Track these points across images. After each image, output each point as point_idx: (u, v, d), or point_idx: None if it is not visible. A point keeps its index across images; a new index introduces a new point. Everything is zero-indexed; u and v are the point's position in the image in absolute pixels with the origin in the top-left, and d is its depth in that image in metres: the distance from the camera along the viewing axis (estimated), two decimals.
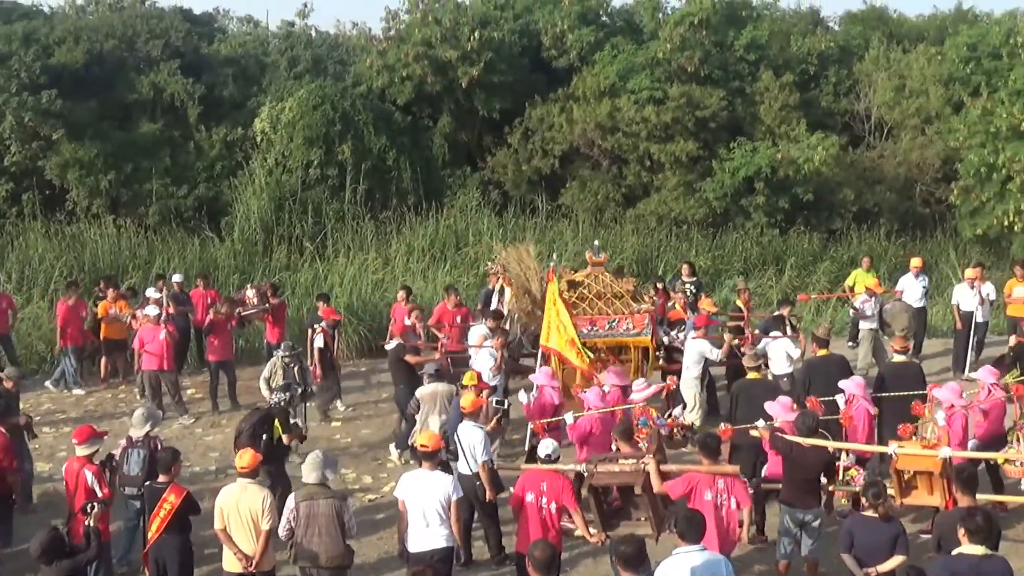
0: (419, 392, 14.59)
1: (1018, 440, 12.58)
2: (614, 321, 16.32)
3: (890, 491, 10.91)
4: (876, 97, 31.87)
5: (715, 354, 16.29)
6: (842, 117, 32.58)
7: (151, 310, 18.13)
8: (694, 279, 21.40)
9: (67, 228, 27.52)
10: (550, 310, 15.21)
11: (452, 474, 11.41)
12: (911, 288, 20.46)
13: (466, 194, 30.03)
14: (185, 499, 10.78)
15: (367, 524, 13.45)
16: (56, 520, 12.07)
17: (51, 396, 19.31)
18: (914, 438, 11.79)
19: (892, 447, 11.37)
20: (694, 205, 29.26)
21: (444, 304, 19.12)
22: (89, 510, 10.45)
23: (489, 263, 20.73)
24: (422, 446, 10.81)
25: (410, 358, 16.53)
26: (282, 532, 10.37)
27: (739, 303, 19.28)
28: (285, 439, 13.10)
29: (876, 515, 9.91)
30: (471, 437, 12.09)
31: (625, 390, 13.93)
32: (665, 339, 17.54)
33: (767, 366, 16.00)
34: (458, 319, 18.65)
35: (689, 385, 16.22)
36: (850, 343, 20.92)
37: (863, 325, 19.33)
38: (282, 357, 15.93)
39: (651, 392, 13.84)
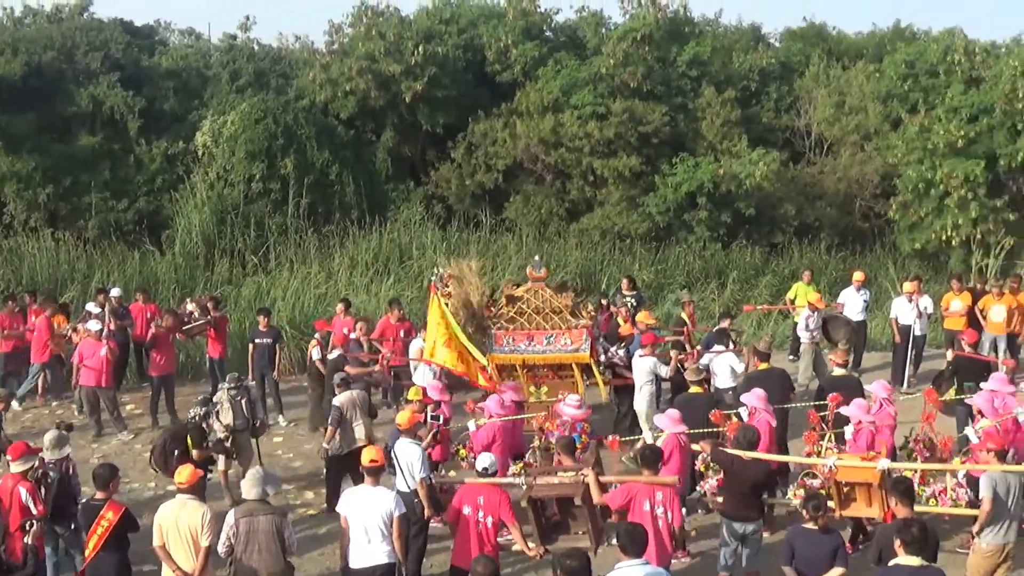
0: (337, 401, 14.62)
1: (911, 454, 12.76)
2: (551, 336, 16.38)
3: (830, 503, 11.01)
4: (816, 113, 32.22)
5: (664, 371, 16.27)
6: (783, 133, 32.91)
7: (93, 325, 17.90)
8: (635, 293, 21.46)
9: (4, 242, 27.12)
10: (436, 326, 15.12)
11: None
12: (852, 302, 20.69)
13: (410, 208, 29.97)
14: (123, 516, 10.64)
15: (308, 540, 13.37)
16: None
17: None
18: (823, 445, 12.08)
19: (831, 459, 11.50)
20: (637, 219, 29.39)
21: (387, 318, 19.10)
22: (28, 528, 10.30)
23: (436, 272, 20.66)
24: (371, 461, 10.72)
25: (351, 369, 16.48)
26: (221, 548, 10.26)
27: (683, 316, 19.38)
28: (196, 455, 12.89)
29: (816, 527, 9.98)
30: (408, 454, 11.97)
31: (520, 405, 14.22)
32: (603, 356, 17.60)
33: (708, 381, 16.08)
34: (401, 333, 18.64)
35: (643, 403, 16.05)
36: (791, 356, 21.11)
37: (804, 339, 19.50)
38: (228, 390, 14.77)
39: (582, 414, 13.86)
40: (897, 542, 8.72)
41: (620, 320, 19.13)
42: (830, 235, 30.46)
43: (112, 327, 18.46)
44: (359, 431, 14.40)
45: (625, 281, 21.87)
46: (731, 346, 17.22)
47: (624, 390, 16.80)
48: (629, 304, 20.37)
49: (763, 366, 15.25)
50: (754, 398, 13.44)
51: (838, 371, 15.09)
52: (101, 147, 29.98)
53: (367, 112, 31.54)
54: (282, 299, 23.95)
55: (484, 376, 15.12)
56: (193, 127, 30.70)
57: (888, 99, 31.37)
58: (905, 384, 19.54)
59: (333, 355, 17.21)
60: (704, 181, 28.54)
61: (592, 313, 17.61)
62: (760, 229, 30.02)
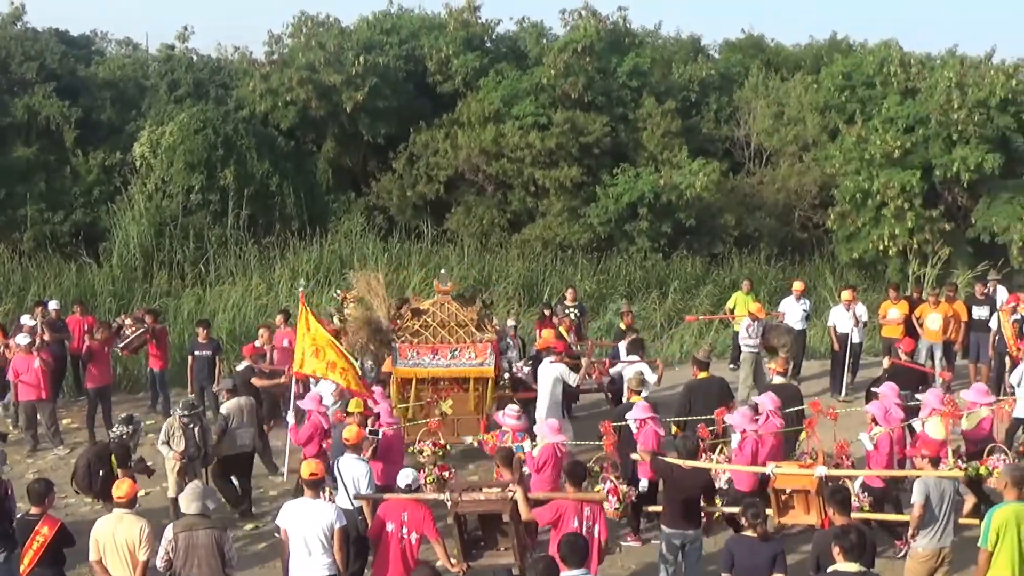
0: (224, 408, 14.74)
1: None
2: (456, 350, 16.40)
3: (768, 511, 11.08)
4: (755, 124, 32.52)
5: (572, 378, 16.25)
6: (723, 144, 33.19)
7: (22, 339, 17.62)
8: (577, 303, 21.52)
9: None
10: (303, 337, 15.22)
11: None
12: (792, 311, 20.87)
13: (351, 219, 29.89)
14: (59, 531, 10.49)
15: (249, 555, 13.24)
16: None
17: None
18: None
19: (770, 467, 11.57)
20: (579, 230, 29.49)
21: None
22: None
23: (337, 292, 20.70)
24: (311, 474, 10.63)
25: (256, 381, 16.45)
26: (160, 563, 10.12)
27: (622, 326, 19.45)
28: (121, 474, 12.51)
29: (755, 535, 10.03)
30: (354, 470, 11.84)
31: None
32: (507, 371, 17.68)
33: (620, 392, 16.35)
34: None
35: (550, 411, 15.83)
36: (731, 365, 21.24)
37: (745, 348, 19.63)
38: (180, 417, 14.09)
39: (522, 424, 13.84)
40: (836, 549, 8.79)
41: (563, 330, 19.16)
42: (769, 245, 30.73)
43: (46, 338, 18.19)
44: (245, 435, 14.68)
45: (569, 292, 21.91)
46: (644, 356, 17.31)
47: (530, 403, 16.80)
48: (572, 315, 20.43)
49: (703, 375, 15.30)
50: (639, 410, 13.36)
51: (778, 379, 15.19)
52: (36, 158, 29.60)
53: (307, 122, 31.42)
54: (222, 311, 23.79)
55: (359, 383, 15.17)
56: (131, 138, 30.42)
57: (826, 110, 31.77)
58: (844, 391, 19.78)
59: (241, 367, 17.23)
60: (645, 191, 28.69)
61: (495, 327, 17.60)
62: (700, 239, 30.23)
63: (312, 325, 15.32)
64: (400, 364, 16.35)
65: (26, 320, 19.43)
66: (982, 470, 11.50)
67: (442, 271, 18.83)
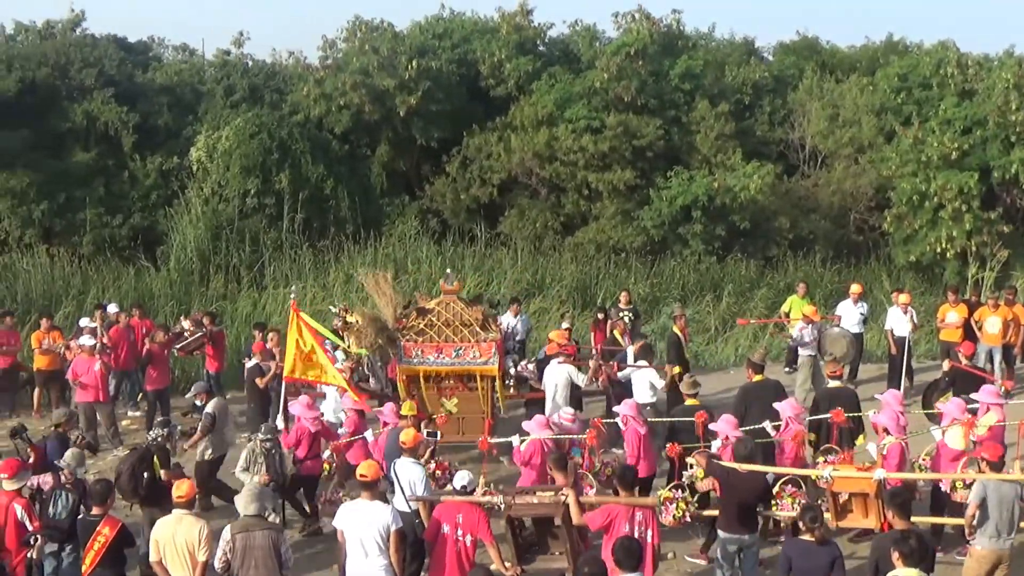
0: (209, 408, 15.02)
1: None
2: (460, 349, 16.50)
3: (826, 514, 11.00)
4: (810, 126, 32.25)
5: (581, 379, 16.39)
6: (777, 146, 32.94)
7: (86, 340, 17.86)
8: (631, 307, 21.51)
9: None
10: (294, 343, 15.32)
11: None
12: (849, 314, 20.73)
13: (404, 223, 29.99)
14: (119, 531, 10.62)
15: (305, 556, 13.32)
16: None
17: None
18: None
19: (827, 470, 11.49)
20: (632, 233, 29.40)
21: None
22: (33, 543, 10.28)
23: (333, 305, 20.87)
24: (361, 475, 10.70)
25: (260, 381, 16.74)
26: (218, 564, 10.22)
27: (676, 329, 19.39)
28: (164, 475, 12.64)
29: (813, 539, 9.97)
30: (410, 473, 11.88)
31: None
32: (512, 369, 17.76)
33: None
34: None
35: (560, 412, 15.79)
36: (787, 369, 21.14)
37: (802, 352, 19.51)
38: (261, 442, 13.76)
39: (577, 428, 13.85)
40: (896, 554, 8.73)
41: (617, 334, 19.17)
42: (824, 248, 30.47)
43: (106, 341, 18.43)
44: (230, 436, 15.16)
45: (623, 295, 21.92)
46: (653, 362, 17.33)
47: (535, 403, 16.86)
48: (626, 318, 20.43)
49: (757, 378, 15.25)
50: (625, 407, 13.64)
51: (834, 383, 15.10)
52: (95, 163, 29.97)
53: (361, 127, 31.55)
54: (277, 314, 23.95)
55: (349, 385, 15.53)
56: (187, 142, 30.70)
57: (882, 112, 31.47)
58: (902, 396, 19.58)
59: (250, 364, 17.47)
60: (699, 194, 28.55)
61: (500, 327, 17.68)
62: (755, 242, 30.03)
63: (303, 332, 15.40)
64: (405, 362, 16.51)
65: (85, 322, 19.71)
66: None
67: (448, 271, 18.91)
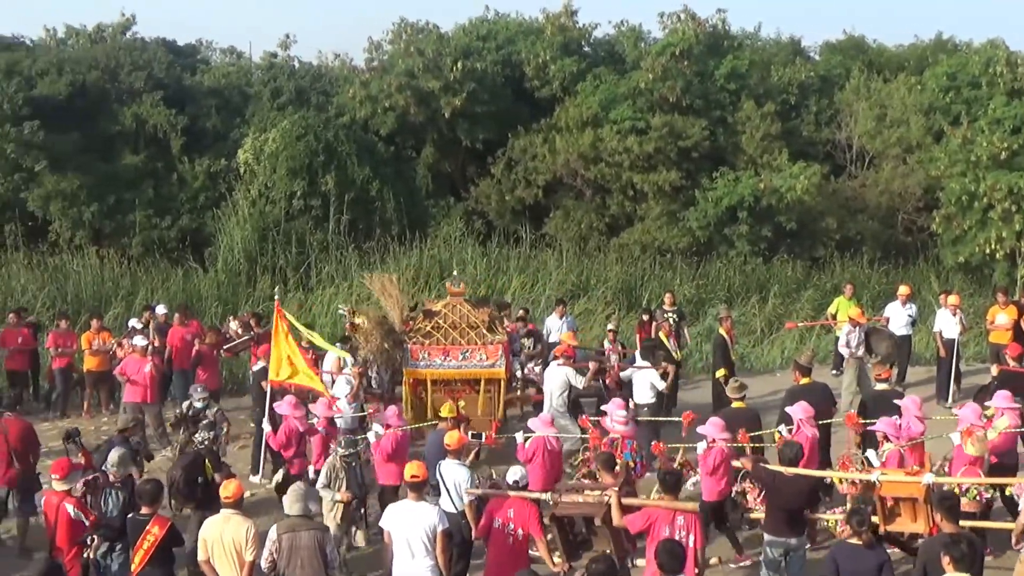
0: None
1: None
2: (467, 351, 16.55)
3: (874, 518, 10.92)
4: (857, 126, 32.03)
5: (579, 381, 16.31)
6: (824, 146, 32.75)
7: (139, 341, 18.04)
8: (675, 308, 21.44)
9: (50, 259, 27.48)
10: (281, 345, 15.26)
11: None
12: (897, 316, 20.56)
13: (450, 224, 30.08)
14: (168, 531, 10.70)
15: (351, 558, 13.35)
16: (38, 554, 11.99)
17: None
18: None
19: (875, 474, 11.41)
20: (677, 234, 29.34)
21: None
22: (90, 542, 10.38)
23: (341, 306, 20.94)
24: (412, 476, 10.72)
25: (264, 384, 16.49)
26: (264, 564, 10.29)
27: (722, 331, 19.30)
28: (218, 478, 12.50)
29: (860, 542, 9.89)
30: (456, 475, 11.91)
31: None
32: (519, 372, 17.80)
33: (632, 394, 16.42)
34: None
35: (558, 414, 15.72)
36: (834, 371, 20.98)
37: (846, 354, 19.35)
38: (342, 457, 13.07)
39: (630, 431, 13.77)
40: (946, 559, 8.64)
41: (663, 335, 19.12)
42: (872, 249, 30.26)
43: (156, 343, 18.61)
44: None
45: (667, 296, 21.87)
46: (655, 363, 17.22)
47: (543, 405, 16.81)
48: (671, 320, 20.37)
49: (804, 380, 15.14)
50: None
51: (880, 386, 14.99)
52: (144, 165, 30.31)
53: (407, 128, 31.70)
54: (324, 315, 24.08)
55: (325, 390, 15.55)
56: (235, 145, 30.96)
57: (930, 111, 31.21)
58: (950, 399, 19.39)
59: (257, 367, 17.38)
60: (745, 195, 28.46)
61: (506, 328, 17.64)
62: (801, 243, 29.87)
63: (287, 333, 15.46)
64: (411, 365, 16.55)
65: (134, 323, 19.92)
66: None
67: (454, 273, 18.94)
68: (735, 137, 30.92)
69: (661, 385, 16.61)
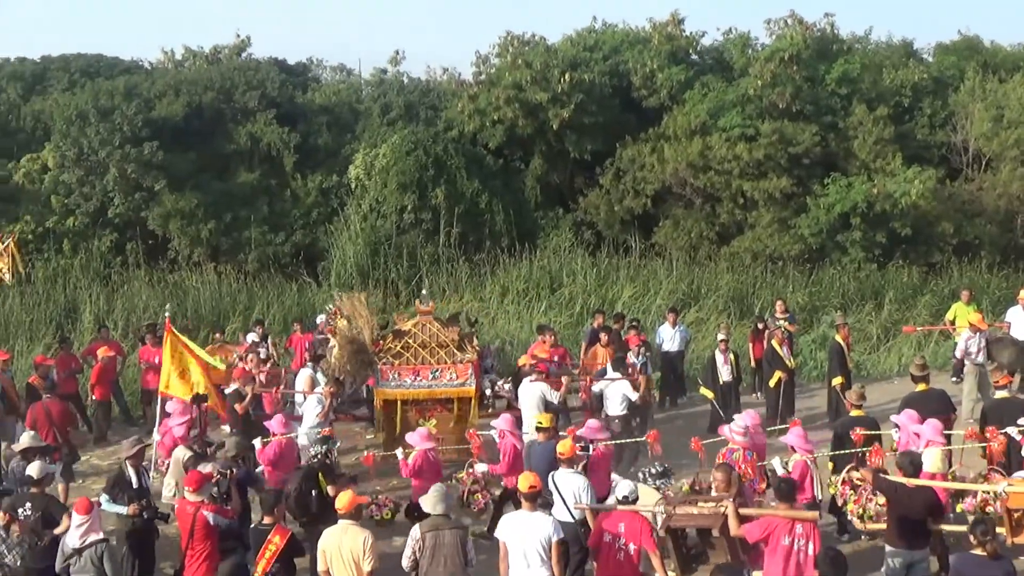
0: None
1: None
2: (437, 371, 16.53)
3: (1000, 530, 10.69)
4: (973, 128, 31.31)
5: (554, 396, 16.16)
6: (939, 150, 32.05)
7: (263, 352, 18.48)
8: (787, 315, 21.24)
9: (170, 276, 28.29)
10: (170, 360, 15.52)
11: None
12: (1019, 321, 20.08)
13: (559, 235, 30.15)
14: (290, 540, 10.90)
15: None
16: (166, 563, 12.31)
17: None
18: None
19: (1002, 485, 11.16)
20: (789, 241, 29.00)
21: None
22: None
23: (329, 306, 21.00)
24: (531, 487, 10.75)
25: (239, 406, 16.17)
26: (406, 563, 10.54)
27: (838, 339, 19.04)
28: (331, 491, 12.47)
29: (984, 553, 9.69)
30: (572, 483, 11.90)
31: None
32: (488, 390, 17.66)
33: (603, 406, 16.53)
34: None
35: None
36: (954, 379, 20.55)
37: (968, 361, 18.96)
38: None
39: (748, 443, 13.58)
40: None
41: (775, 343, 18.94)
42: (991, 253, 29.59)
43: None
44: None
45: (779, 304, 21.69)
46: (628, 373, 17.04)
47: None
48: (783, 327, 20.17)
49: (921, 387, 14.87)
50: (502, 421, 13.68)
51: (1000, 393, 14.64)
52: (259, 183, 30.99)
53: (515, 141, 31.86)
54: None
55: (219, 403, 15.88)
56: (346, 160, 31.46)
57: None
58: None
59: (229, 390, 17.03)
60: (858, 201, 28.01)
61: (476, 347, 17.57)
62: (917, 248, 29.31)
63: (178, 349, 15.75)
64: (383, 386, 16.59)
65: (252, 337, 20.32)
66: None
67: (423, 291, 18.94)
68: (847, 142, 30.44)
69: (634, 396, 16.50)
